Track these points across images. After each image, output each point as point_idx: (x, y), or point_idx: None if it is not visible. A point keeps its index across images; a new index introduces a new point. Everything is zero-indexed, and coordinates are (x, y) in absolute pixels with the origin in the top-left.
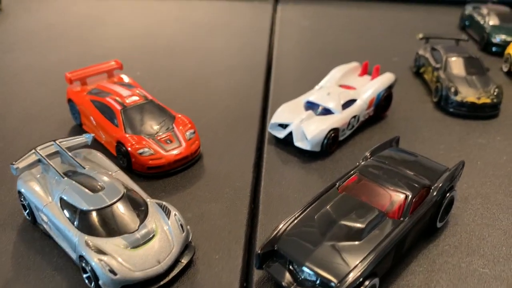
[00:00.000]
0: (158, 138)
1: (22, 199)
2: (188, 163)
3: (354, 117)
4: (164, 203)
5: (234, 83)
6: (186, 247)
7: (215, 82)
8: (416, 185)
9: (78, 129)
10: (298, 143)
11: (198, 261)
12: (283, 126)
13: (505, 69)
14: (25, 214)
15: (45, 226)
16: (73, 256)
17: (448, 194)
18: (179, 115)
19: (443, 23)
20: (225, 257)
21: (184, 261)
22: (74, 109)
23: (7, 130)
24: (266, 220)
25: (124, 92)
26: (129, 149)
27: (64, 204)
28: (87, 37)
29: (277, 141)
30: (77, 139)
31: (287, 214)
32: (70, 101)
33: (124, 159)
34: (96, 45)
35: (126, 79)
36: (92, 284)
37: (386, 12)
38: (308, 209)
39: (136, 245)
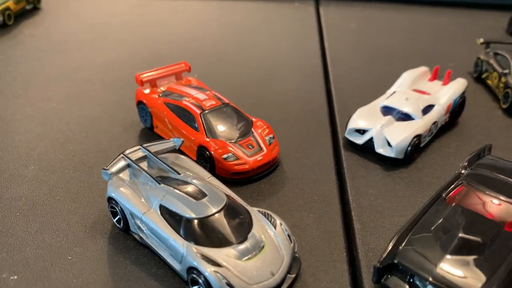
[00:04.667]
0: (240, 143)
1: (113, 205)
2: (270, 169)
3: (434, 123)
4: (266, 211)
5: (293, 87)
6: (293, 259)
7: (273, 86)
8: None
9: (147, 132)
10: (380, 149)
11: (304, 274)
12: (361, 131)
13: None
14: (114, 221)
15: (141, 234)
16: (177, 267)
17: None
18: (254, 119)
19: (490, 28)
20: (330, 270)
21: (293, 273)
22: (144, 111)
23: (73, 133)
24: (363, 232)
25: (199, 95)
26: (213, 153)
27: (166, 212)
28: (131, 38)
29: (353, 147)
30: (165, 143)
31: (384, 225)
32: (140, 103)
33: (207, 164)
34: (142, 46)
35: (193, 81)
36: None
37: (430, 17)
38: (420, 221)
39: (248, 256)
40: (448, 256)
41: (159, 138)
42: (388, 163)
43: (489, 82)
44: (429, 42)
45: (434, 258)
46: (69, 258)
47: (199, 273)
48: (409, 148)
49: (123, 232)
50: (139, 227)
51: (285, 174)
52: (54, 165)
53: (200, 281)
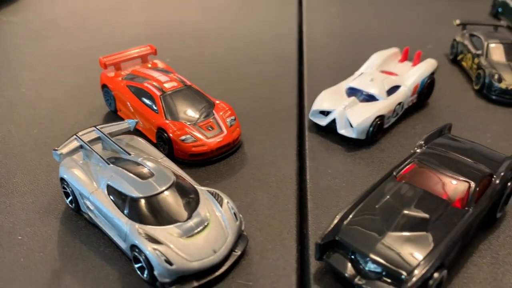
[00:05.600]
0: (200, 124)
1: (64, 186)
2: (230, 151)
3: (399, 104)
4: (215, 190)
5: (266, 70)
6: (239, 236)
7: (246, 70)
8: (479, 173)
9: (112, 116)
10: (342, 130)
11: (251, 251)
12: (325, 113)
13: None
14: (67, 202)
15: (90, 214)
16: (123, 245)
17: (510, 184)
18: (218, 101)
19: (474, 10)
20: (278, 248)
21: (238, 251)
22: (108, 95)
23: (39, 118)
24: (316, 210)
25: (162, 77)
26: (171, 135)
27: (112, 191)
28: (111, 24)
29: (318, 128)
30: (119, 125)
31: (338, 204)
32: (104, 86)
33: (165, 146)
34: (120, 32)
35: (160, 64)
36: (145, 274)
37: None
38: (366, 198)
39: (190, 234)
40: (390, 233)
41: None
42: (351, 144)
43: (464, 63)
44: (411, 24)
45: (376, 235)
46: (19, 238)
47: (140, 250)
48: (371, 129)
49: (75, 213)
50: (88, 207)
51: (245, 155)
52: (15, 148)
53: (141, 258)
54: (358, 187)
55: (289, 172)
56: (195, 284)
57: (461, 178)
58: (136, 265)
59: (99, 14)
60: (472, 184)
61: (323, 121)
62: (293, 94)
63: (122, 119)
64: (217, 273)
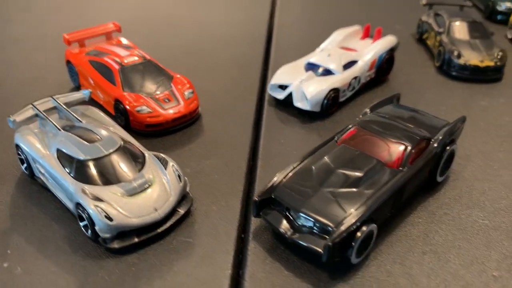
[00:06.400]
0: (157, 97)
1: (19, 152)
2: (187, 122)
3: (355, 78)
4: (161, 155)
5: (235, 52)
6: (184, 197)
7: (215, 52)
8: (416, 137)
9: (76, 91)
10: (298, 103)
11: (196, 212)
12: (283, 87)
13: (510, 36)
14: (23, 168)
15: (42, 178)
16: (70, 205)
17: (448, 148)
18: (178, 75)
19: None
20: (222, 208)
21: (182, 210)
22: (72, 70)
23: (6, 93)
24: (264, 175)
25: (122, 52)
26: (127, 107)
27: (61, 155)
28: (84, 7)
29: (277, 102)
30: (75, 95)
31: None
32: (68, 62)
33: (122, 117)
34: (93, 16)
35: (125, 41)
36: (89, 232)
37: None
38: (306, 161)
39: (133, 193)
40: (323, 189)
41: None
42: (306, 117)
43: (428, 42)
44: (380, 6)
45: (309, 192)
46: None
47: (84, 208)
48: (325, 101)
49: (30, 178)
50: (40, 172)
51: (202, 127)
52: None
53: (85, 216)
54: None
55: (244, 141)
56: (136, 239)
57: (398, 141)
58: (82, 223)
59: None
60: (408, 147)
61: (281, 95)
62: (257, 72)
63: None
64: (159, 230)
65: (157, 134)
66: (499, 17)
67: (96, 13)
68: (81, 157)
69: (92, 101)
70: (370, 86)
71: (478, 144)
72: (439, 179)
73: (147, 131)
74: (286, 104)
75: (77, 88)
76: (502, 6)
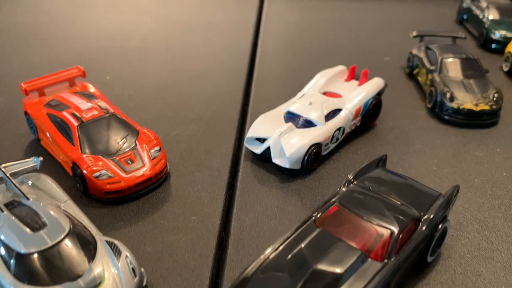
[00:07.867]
0: (118, 158)
1: None
2: (153, 185)
3: (339, 129)
4: (115, 241)
5: (211, 88)
6: None
7: (190, 87)
8: (404, 218)
9: (36, 145)
10: (276, 160)
11: None
12: (261, 140)
13: (506, 69)
14: None
15: None
16: None
17: (440, 226)
18: (144, 130)
19: (440, 17)
20: None
21: None
22: (31, 122)
23: None
24: (235, 255)
25: (82, 105)
26: (84, 171)
27: (1, 244)
28: (56, 37)
29: (254, 156)
30: (25, 163)
31: (259, 248)
32: (26, 113)
33: (80, 182)
34: (64, 47)
35: (91, 88)
36: None
37: (380, 5)
38: (280, 247)
39: None
40: None
41: (45, 151)
42: (285, 174)
43: (419, 78)
44: (370, 34)
45: None
46: None
47: None
48: (306, 158)
49: None
50: None
51: (170, 190)
52: None
53: None
54: (284, 225)
55: (215, 209)
56: None
57: (383, 225)
58: None
59: (45, 26)
60: (395, 232)
61: (258, 149)
62: (235, 116)
63: (45, 149)
64: None
65: (118, 202)
66: (493, 46)
67: (63, 45)
68: (22, 250)
69: (51, 158)
70: (356, 134)
71: (472, 208)
72: (430, 259)
73: (107, 198)
74: (265, 159)
75: (37, 140)
76: (497, 35)
